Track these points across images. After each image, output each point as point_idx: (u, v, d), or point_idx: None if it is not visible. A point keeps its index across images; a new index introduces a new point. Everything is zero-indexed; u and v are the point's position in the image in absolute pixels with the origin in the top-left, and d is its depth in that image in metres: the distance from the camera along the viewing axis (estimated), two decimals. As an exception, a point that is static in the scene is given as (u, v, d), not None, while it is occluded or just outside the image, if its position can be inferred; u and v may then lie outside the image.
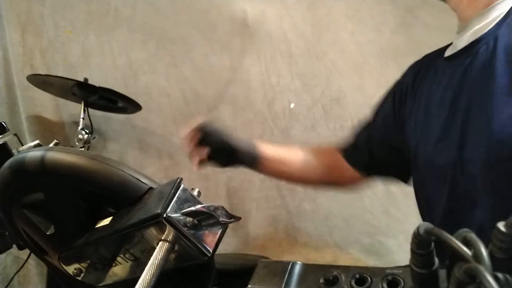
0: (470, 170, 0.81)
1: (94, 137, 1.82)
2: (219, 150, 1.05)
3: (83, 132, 1.73)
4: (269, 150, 1.14)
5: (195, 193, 0.57)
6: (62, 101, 1.93)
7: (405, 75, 1.08)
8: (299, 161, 1.18)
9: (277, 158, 1.15)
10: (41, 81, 1.77)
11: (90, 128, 1.80)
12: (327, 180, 1.20)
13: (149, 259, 0.49)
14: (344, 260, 1.92)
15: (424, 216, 0.98)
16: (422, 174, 0.95)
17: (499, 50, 0.81)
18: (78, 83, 1.69)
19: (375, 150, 1.11)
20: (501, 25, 0.83)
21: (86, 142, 1.72)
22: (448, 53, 0.95)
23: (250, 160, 1.10)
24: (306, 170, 1.18)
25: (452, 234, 0.34)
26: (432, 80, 0.96)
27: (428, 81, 0.97)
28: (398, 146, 1.04)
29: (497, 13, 0.85)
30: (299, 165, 1.18)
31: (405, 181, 1.09)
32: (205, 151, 1.04)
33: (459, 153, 0.83)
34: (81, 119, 1.74)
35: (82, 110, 1.75)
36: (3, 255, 1.79)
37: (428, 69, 1.00)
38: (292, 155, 1.19)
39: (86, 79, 1.70)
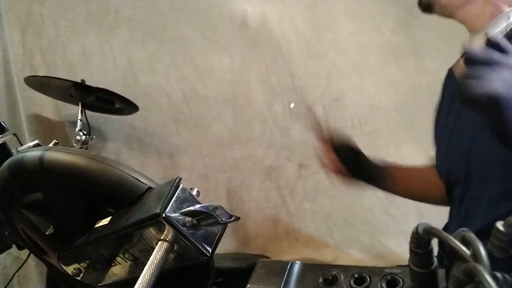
0: None
1: (92, 138, 1.82)
2: (351, 159, 1.11)
3: (81, 133, 1.73)
4: (396, 166, 1.17)
5: (194, 192, 0.57)
6: (62, 101, 1.93)
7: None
8: (426, 179, 1.15)
9: (406, 174, 1.16)
10: (39, 83, 1.77)
11: (88, 129, 1.80)
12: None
13: (148, 259, 0.49)
14: (344, 260, 1.92)
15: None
16: None
17: None
18: (75, 84, 1.68)
19: None
20: None
21: (84, 143, 1.72)
22: None
23: (379, 171, 1.13)
24: (432, 188, 1.14)
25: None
26: (446, 90, 1.02)
27: (447, 90, 1.03)
28: None
29: (506, 22, 0.85)
30: (427, 184, 1.16)
31: None
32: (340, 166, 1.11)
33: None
34: (79, 120, 1.74)
35: (80, 111, 1.75)
36: (3, 255, 1.79)
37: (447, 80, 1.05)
38: (418, 172, 1.18)
39: (83, 80, 1.70)
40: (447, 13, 0.98)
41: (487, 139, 0.76)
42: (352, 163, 1.12)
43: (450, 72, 1.05)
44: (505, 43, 0.56)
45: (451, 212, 1.01)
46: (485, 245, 0.32)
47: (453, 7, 0.96)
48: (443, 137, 1.01)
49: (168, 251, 0.51)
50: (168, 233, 0.51)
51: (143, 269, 0.48)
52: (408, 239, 0.38)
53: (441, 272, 0.38)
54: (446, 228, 0.99)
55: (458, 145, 0.92)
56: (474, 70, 0.53)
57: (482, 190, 0.86)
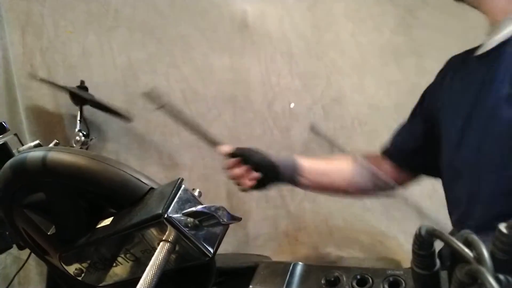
0: None
1: (92, 139, 1.82)
2: (261, 167, 1.05)
3: (80, 134, 1.73)
4: (309, 162, 1.13)
5: (196, 193, 0.57)
6: (62, 101, 1.93)
7: (436, 76, 1.13)
8: (344, 172, 1.17)
9: (320, 170, 1.15)
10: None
11: (88, 130, 1.80)
12: (375, 187, 1.18)
13: (150, 259, 0.50)
14: (344, 260, 1.93)
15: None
16: None
17: None
18: (71, 91, 1.69)
19: (414, 145, 1.13)
20: None
21: (84, 144, 1.73)
22: (478, 52, 0.97)
23: (291, 173, 1.10)
24: (353, 180, 1.16)
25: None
26: (461, 77, 1.00)
27: (456, 79, 1.01)
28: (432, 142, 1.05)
29: None
30: (344, 176, 1.16)
31: None
32: (255, 174, 1.05)
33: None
34: (78, 121, 1.75)
35: (79, 112, 1.76)
36: (3, 255, 1.79)
37: (457, 68, 1.04)
38: (335, 166, 1.18)
39: (82, 81, 1.71)
40: (475, 3, 0.98)
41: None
42: (263, 171, 1.06)
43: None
44: None
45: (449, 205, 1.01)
46: (486, 241, 0.32)
47: None
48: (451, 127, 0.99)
49: (170, 251, 0.51)
50: (170, 233, 0.51)
51: (144, 270, 0.48)
52: (408, 239, 0.38)
53: (444, 274, 0.38)
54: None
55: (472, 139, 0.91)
56: None
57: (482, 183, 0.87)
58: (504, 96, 0.86)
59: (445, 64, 1.12)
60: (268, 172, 1.07)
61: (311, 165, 1.14)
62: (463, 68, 1.01)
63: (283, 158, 1.10)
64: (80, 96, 1.70)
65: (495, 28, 0.94)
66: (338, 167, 1.18)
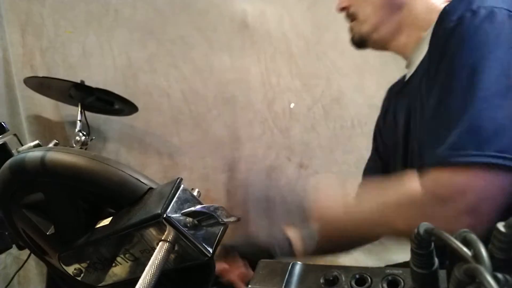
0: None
1: (92, 139, 1.82)
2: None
3: (81, 134, 1.73)
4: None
5: (195, 193, 0.57)
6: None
7: (381, 107, 1.22)
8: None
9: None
10: (39, 83, 1.77)
11: (87, 130, 1.80)
12: None
13: (149, 259, 0.49)
14: (344, 260, 1.92)
15: None
16: None
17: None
18: (74, 84, 1.69)
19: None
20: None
21: (84, 144, 1.73)
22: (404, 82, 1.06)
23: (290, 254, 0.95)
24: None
25: None
26: (397, 105, 1.06)
27: (394, 107, 1.08)
28: None
29: (427, 45, 0.88)
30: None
31: None
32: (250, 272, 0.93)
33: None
34: (78, 121, 1.75)
35: (79, 112, 1.75)
36: (3, 255, 1.79)
37: (393, 97, 1.13)
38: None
39: (82, 81, 1.71)
40: (380, 47, 1.05)
41: None
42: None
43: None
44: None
45: None
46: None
47: (385, 40, 1.02)
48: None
49: (169, 251, 0.51)
50: (169, 233, 0.51)
51: (143, 269, 0.48)
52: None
53: (442, 273, 0.38)
54: None
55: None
56: None
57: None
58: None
59: (386, 93, 1.19)
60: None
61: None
62: (399, 95, 1.07)
63: (278, 242, 0.95)
64: (84, 88, 1.69)
65: (408, 63, 1.02)
66: None
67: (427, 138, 0.78)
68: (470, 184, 0.66)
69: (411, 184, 0.72)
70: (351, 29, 1.07)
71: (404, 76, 1.07)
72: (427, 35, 0.88)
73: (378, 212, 0.78)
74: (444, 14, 0.80)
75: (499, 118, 0.69)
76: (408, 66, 1.03)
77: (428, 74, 0.82)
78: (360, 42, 1.06)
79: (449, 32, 0.76)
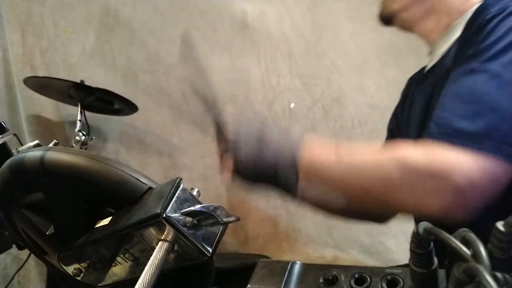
0: None
1: (92, 139, 1.82)
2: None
3: (80, 134, 1.73)
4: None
5: (195, 193, 0.57)
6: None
7: (400, 96, 1.18)
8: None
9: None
10: (39, 83, 1.77)
11: (87, 130, 1.80)
12: None
13: (148, 259, 0.49)
14: (344, 260, 1.92)
15: None
16: None
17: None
18: (74, 84, 1.69)
19: None
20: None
21: (84, 144, 1.73)
22: (425, 71, 1.04)
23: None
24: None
25: None
26: (418, 93, 1.04)
27: (411, 96, 1.07)
28: None
29: (456, 34, 0.87)
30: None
31: None
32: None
33: None
34: (78, 121, 1.75)
35: (79, 112, 1.75)
36: (3, 255, 1.79)
37: (413, 86, 1.10)
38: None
39: (82, 81, 1.71)
40: (406, 27, 1.03)
41: None
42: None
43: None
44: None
45: None
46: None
47: (412, 22, 1.00)
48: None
49: (168, 251, 0.51)
50: (169, 233, 0.51)
51: (143, 269, 0.48)
52: (408, 239, 0.38)
53: (442, 272, 0.38)
54: None
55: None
56: None
57: None
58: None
59: (406, 83, 1.16)
60: None
61: None
62: (419, 85, 1.05)
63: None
64: (84, 88, 1.69)
65: (432, 49, 0.99)
66: None
67: (435, 111, 0.76)
68: (463, 165, 0.66)
69: (409, 150, 0.72)
70: (383, 3, 1.05)
71: (424, 67, 1.06)
72: (458, 23, 0.88)
73: (367, 167, 0.75)
74: (485, 4, 0.80)
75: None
76: (431, 53, 1.01)
77: (458, 60, 0.80)
78: (387, 18, 1.04)
79: (489, 18, 0.75)
